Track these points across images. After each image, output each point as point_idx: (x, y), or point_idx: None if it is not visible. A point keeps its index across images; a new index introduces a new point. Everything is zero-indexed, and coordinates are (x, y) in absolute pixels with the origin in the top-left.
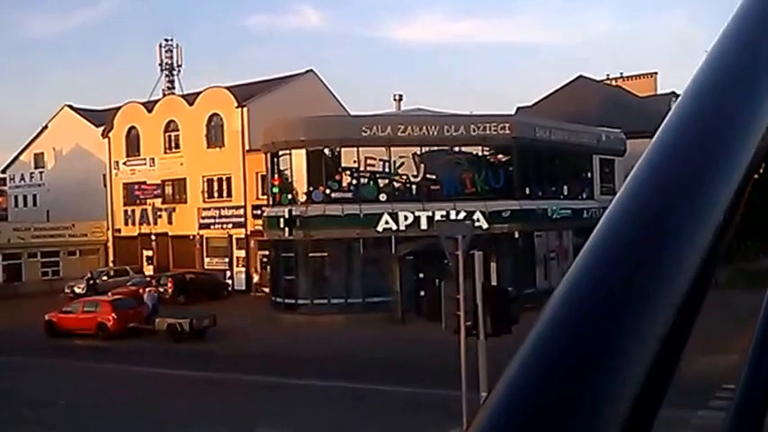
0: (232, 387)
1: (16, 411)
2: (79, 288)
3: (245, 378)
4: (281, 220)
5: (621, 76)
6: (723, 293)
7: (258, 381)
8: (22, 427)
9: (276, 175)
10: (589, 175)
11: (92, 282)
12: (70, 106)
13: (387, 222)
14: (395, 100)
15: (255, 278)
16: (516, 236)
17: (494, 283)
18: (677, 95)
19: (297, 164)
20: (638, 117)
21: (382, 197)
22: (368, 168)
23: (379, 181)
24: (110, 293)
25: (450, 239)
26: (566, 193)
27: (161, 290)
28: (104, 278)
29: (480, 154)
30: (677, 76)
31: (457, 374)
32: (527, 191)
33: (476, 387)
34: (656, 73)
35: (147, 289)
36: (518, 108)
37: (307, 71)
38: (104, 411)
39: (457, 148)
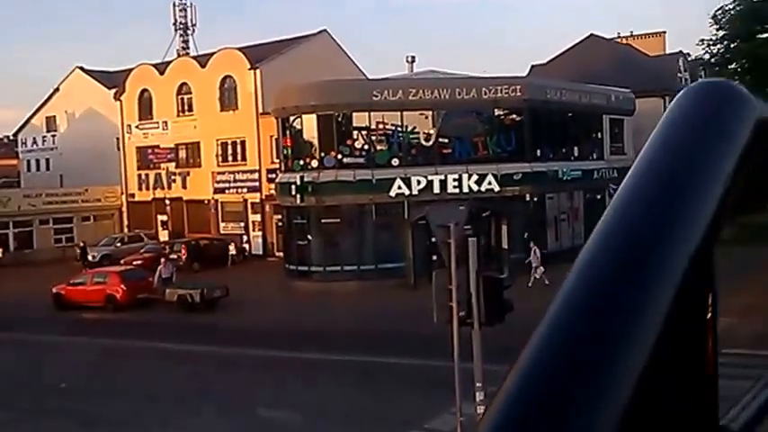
0: (239, 363)
1: (12, 397)
2: (91, 256)
3: (253, 353)
4: (293, 186)
5: (632, 35)
6: (723, 249)
7: (267, 355)
8: (17, 416)
9: (287, 136)
10: (599, 135)
11: (83, 252)
12: (82, 68)
13: (399, 187)
14: (407, 62)
15: (232, 250)
16: (527, 198)
17: (505, 245)
18: (684, 55)
19: (308, 129)
20: (647, 76)
21: (394, 162)
22: (380, 133)
23: (391, 145)
24: (122, 261)
25: (441, 228)
26: (576, 155)
27: (174, 257)
28: (117, 245)
29: (492, 116)
30: (684, 35)
31: (467, 344)
32: (538, 153)
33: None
34: (664, 32)
35: (163, 260)
36: (532, 66)
37: (320, 31)
38: (105, 394)
39: (470, 112)
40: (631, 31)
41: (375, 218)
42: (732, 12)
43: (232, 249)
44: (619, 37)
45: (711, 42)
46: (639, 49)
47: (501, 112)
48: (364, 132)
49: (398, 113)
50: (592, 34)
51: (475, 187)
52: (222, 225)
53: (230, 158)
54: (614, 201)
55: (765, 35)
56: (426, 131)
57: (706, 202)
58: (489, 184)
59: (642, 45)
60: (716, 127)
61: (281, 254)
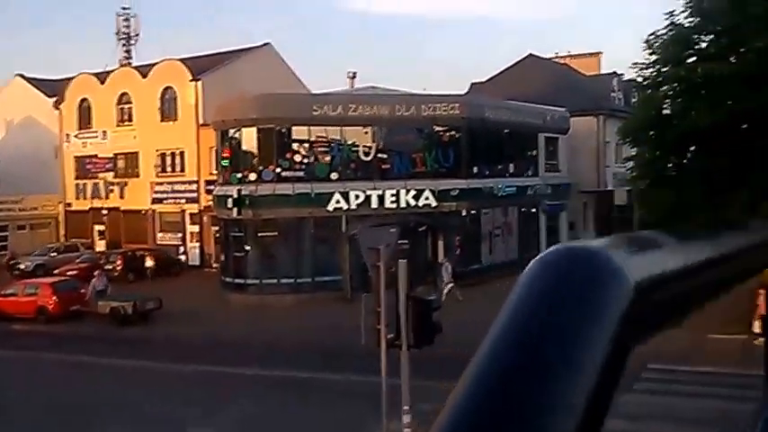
0: (169, 378)
1: None
2: (24, 265)
3: (183, 368)
4: (230, 199)
5: (569, 55)
6: None
7: (198, 371)
8: None
9: (227, 147)
10: (534, 153)
11: (12, 263)
12: (22, 75)
13: (338, 201)
14: (348, 78)
15: (149, 263)
16: (464, 213)
17: (440, 260)
18: (619, 75)
19: (247, 142)
20: (582, 95)
21: (333, 176)
22: (319, 147)
23: (330, 160)
24: (56, 272)
25: (371, 250)
26: (511, 171)
27: (109, 267)
28: (53, 254)
29: (430, 133)
30: (619, 56)
31: (398, 361)
32: (475, 170)
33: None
34: (600, 53)
35: (97, 272)
36: (472, 84)
37: (264, 44)
38: (23, 412)
39: (408, 128)
40: (569, 51)
41: (313, 231)
42: (664, 37)
43: (149, 262)
44: (556, 56)
45: (644, 66)
46: (576, 68)
47: (439, 129)
48: (305, 146)
49: (338, 128)
50: (531, 54)
51: (412, 202)
52: (159, 235)
53: (169, 169)
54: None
55: (695, 60)
56: (366, 146)
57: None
58: (427, 199)
59: (579, 65)
60: (580, 311)
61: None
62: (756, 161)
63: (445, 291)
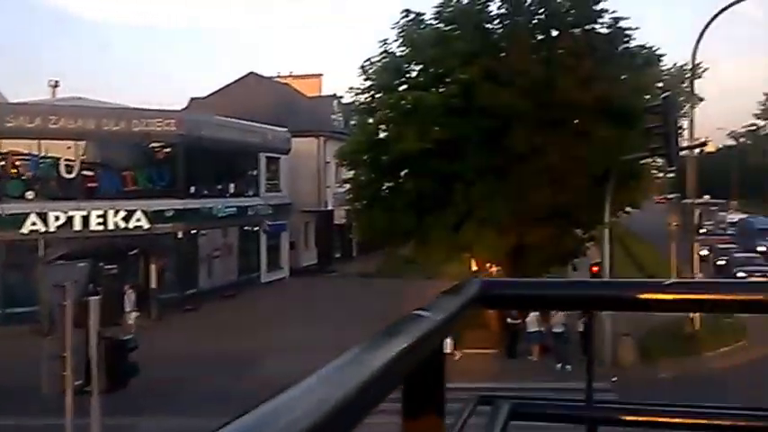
0: None
1: None
2: None
3: None
4: None
5: (291, 75)
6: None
7: None
8: None
9: None
10: (255, 172)
11: None
12: None
13: (34, 223)
14: (50, 86)
15: None
16: (180, 235)
17: (153, 285)
18: (339, 98)
19: None
20: (304, 116)
21: (29, 195)
22: (13, 162)
23: (26, 176)
24: None
25: (57, 288)
26: (232, 191)
27: None
28: None
29: (144, 150)
30: (339, 79)
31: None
32: (192, 189)
33: None
34: (321, 74)
35: None
36: (192, 99)
37: None
38: None
39: (118, 144)
40: (291, 71)
41: (4, 257)
42: (378, 64)
43: None
44: (278, 76)
45: (360, 91)
46: (298, 89)
47: (154, 146)
48: None
49: (37, 142)
50: (252, 72)
51: (122, 224)
52: None
53: None
54: None
55: (406, 88)
56: (69, 161)
57: None
58: (138, 221)
59: (300, 86)
60: None
61: None
62: (458, 184)
63: (131, 321)
